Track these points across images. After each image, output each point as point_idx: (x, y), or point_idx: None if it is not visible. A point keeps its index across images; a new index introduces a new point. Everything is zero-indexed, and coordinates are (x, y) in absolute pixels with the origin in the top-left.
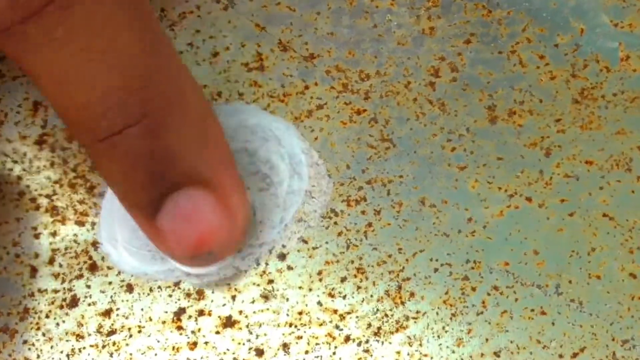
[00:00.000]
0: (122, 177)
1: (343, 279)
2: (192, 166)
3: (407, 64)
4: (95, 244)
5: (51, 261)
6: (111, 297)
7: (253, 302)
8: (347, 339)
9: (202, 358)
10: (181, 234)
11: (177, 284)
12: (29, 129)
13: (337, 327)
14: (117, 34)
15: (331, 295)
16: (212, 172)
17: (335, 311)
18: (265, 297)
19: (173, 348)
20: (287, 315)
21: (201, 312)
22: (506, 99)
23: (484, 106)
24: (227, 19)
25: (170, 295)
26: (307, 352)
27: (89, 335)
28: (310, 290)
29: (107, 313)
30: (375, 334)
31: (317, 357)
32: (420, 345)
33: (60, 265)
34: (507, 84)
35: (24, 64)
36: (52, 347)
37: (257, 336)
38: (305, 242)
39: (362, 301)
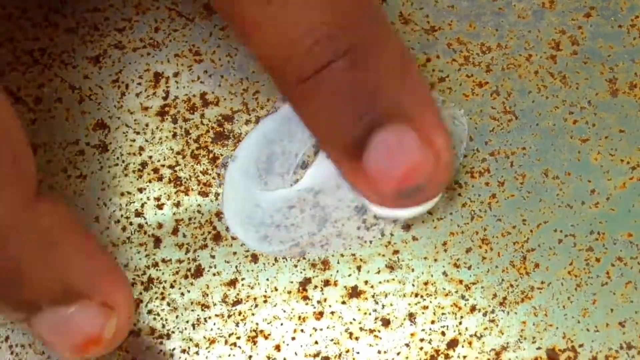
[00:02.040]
0: (326, 115)
1: (468, 250)
2: (397, 101)
3: (528, 37)
4: (219, 214)
5: (175, 231)
6: (236, 267)
7: (378, 272)
8: (473, 309)
9: (328, 328)
10: (388, 169)
11: (302, 253)
12: (150, 100)
13: (462, 297)
14: None
15: (456, 266)
16: (415, 109)
17: (460, 281)
18: (391, 268)
19: (299, 318)
20: (413, 285)
21: (327, 282)
22: (627, 72)
23: (605, 79)
24: None
25: (295, 266)
26: (433, 322)
27: (214, 305)
28: (435, 260)
29: (232, 283)
30: (501, 304)
31: (444, 327)
32: (546, 315)
33: (184, 236)
34: (628, 57)
35: (229, 11)
36: (177, 316)
37: (383, 306)
38: (430, 213)
39: (487, 272)
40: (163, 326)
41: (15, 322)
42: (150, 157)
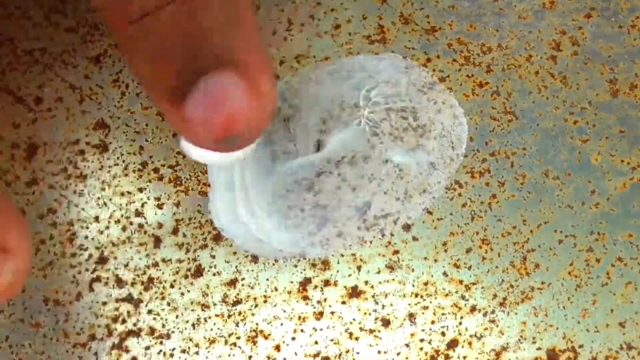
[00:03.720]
0: (152, 60)
1: (468, 250)
2: (224, 47)
3: (529, 38)
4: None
5: (175, 231)
6: (236, 267)
7: (378, 272)
8: (473, 309)
9: (328, 328)
10: (208, 117)
11: (302, 254)
12: (150, 101)
13: (462, 297)
14: None
15: (456, 266)
16: (242, 53)
17: (460, 282)
18: (391, 268)
19: (299, 318)
20: (413, 285)
21: (327, 282)
22: (627, 72)
23: (605, 80)
24: None
25: (295, 266)
26: (433, 322)
27: (215, 305)
28: (435, 261)
29: (232, 283)
30: (501, 304)
31: (444, 327)
32: (546, 315)
33: (185, 236)
34: (628, 57)
35: None
36: (177, 316)
37: (383, 306)
38: (430, 213)
39: (488, 272)
40: (163, 326)
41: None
42: (151, 156)
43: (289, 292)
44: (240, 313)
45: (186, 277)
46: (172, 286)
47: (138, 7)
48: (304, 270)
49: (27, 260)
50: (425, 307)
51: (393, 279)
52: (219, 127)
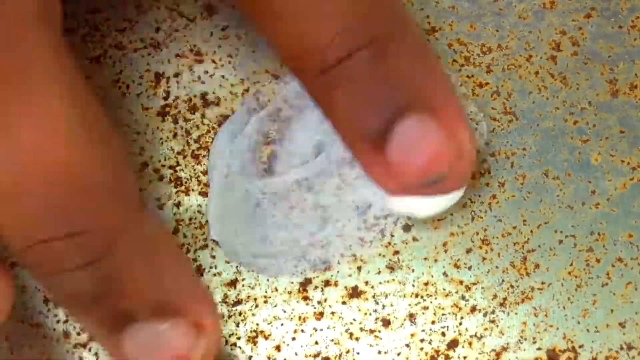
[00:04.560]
0: (348, 106)
1: (468, 250)
2: (419, 91)
3: (529, 38)
4: None
5: (175, 231)
6: (236, 267)
7: (379, 272)
8: (473, 309)
9: (328, 328)
10: (411, 158)
11: (302, 254)
12: (151, 101)
13: (463, 297)
14: None
15: (456, 266)
16: (437, 99)
17: (461, 282)
18: (391, 268)
19: (299, 318)
20: (413, 286)
21: (327, 283)
22: (627, 72)
23: (605, 80)
24: None
25: (295, 266)
26: (433, 322)
27: (215, 305)
28: (435, 261)
29: (232, 283)
30: (501, 304)
31: (444, 327)
32: (546, 315)
33: (185, 236)
34: (629, 58)
35: (249, 3)
36: None
37: (384, 306)
38: None
39: (488, 272)
40: None
41: (94, 338)
42: (151, 157)
43: (290, 293)
44: (240, 313)
45: None
46: None
47: (332, 56)
48: (305, 270)
49: (217, 339)
50: (426, 308)
51: (393, 279)
52: (421, 167)
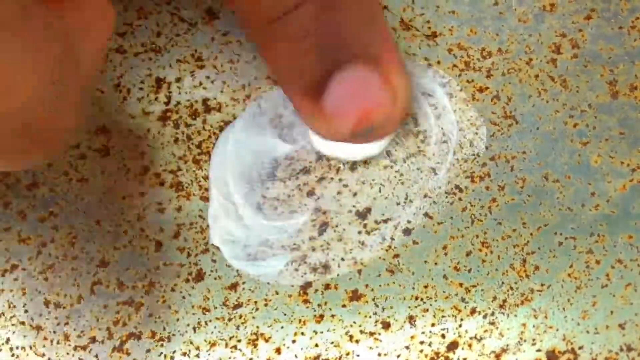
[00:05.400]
0: (290, 56)
1: (468, 253)
2: (359, 43)
3: (529, 41)
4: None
5: (176, 236)
6: (237, 271)
7: (379, 275)
8: (473, 311)
9: (328, 331)
10: (345, 110)
11: (303, 258)
12: (152, 105)
13: (462, 300)
14: None
15: (456, 269)
16: (376, 50)
17: (460, 284)
18: (391, 271)
19: (299, 321)
20: (413, 288)
21: (327, 286)
22: (627, 74)
23: (605, 81)
24: None
25: (296, 270)
26: (433, 324)
27: (215, 308)
28: (435, 264)
29: (233, 287)
30: (501, 306)
31: (444, 329)
32: (546, 317)
33: (186, 240)
34: (628, 59)
35: None
36: (178, 319)
37: (384, 309)
38: (430, 217)
39: (487, 274)
40: (164, 329)
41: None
42: (152, 161)
43: (290, 296)
44: (241, 316)
45: (187, 281)
46: (172, 290)
47: (279, 6)
48: (305, 274)
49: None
50: (425, 310)
51: (393, 282)
52: (355, 119)
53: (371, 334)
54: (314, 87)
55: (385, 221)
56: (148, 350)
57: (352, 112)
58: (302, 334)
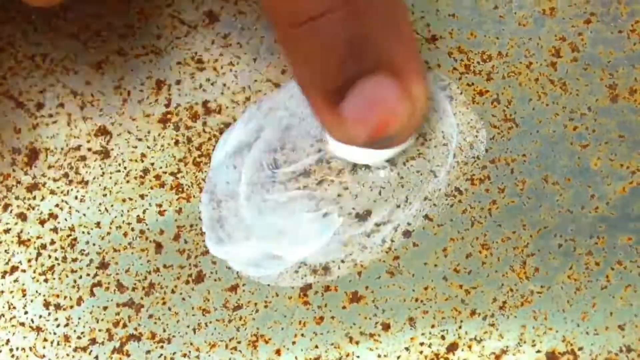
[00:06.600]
0: (313, 60)
1: (468, 255)
2: (384, 53)
3: (529, 45)
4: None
5: (176, 238)
6: (237, 273)
7: (379, 277)
8: (473, 313)
9: (328, 332)
10: (363, 118)
11: (303, 260)
12: (152, 107)
13: (462, 301)
14: None
15: (456, 271)
16: (400, 60)
17: (460, 286)
18: (391, 273)
19: (299, 323)
20: (413, 290)
21: (327, 288)
22: (627, 77)
23: (605, 85)
24: None
25: (296, 272)
26: (433, 326)
27: (215, 309)
28: (435, 266)
29: (233, 288)
30: (501, 308)
31: (443, 331)
32: (545, 318)
33: (186, 242)
34: (628, 62)
35: None
36: (178, 321)
37: (384, 311)
38: (430, 219)
39: (487, 276)
40: (164, 330)
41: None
42: (152, 163)
43: (290, 298)
44: (241, 318)
45: (187, 282)
46: (173, 291)
47: (307, 11)
48: (305, 275)
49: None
50: (425, 312)
51: (393, 284)
52: (373, 128)
53: (371, 335)
54: (335, 91)
55: (385, 223)
56: (148, 352)
57: (370, 121)
58: (302, 335)
